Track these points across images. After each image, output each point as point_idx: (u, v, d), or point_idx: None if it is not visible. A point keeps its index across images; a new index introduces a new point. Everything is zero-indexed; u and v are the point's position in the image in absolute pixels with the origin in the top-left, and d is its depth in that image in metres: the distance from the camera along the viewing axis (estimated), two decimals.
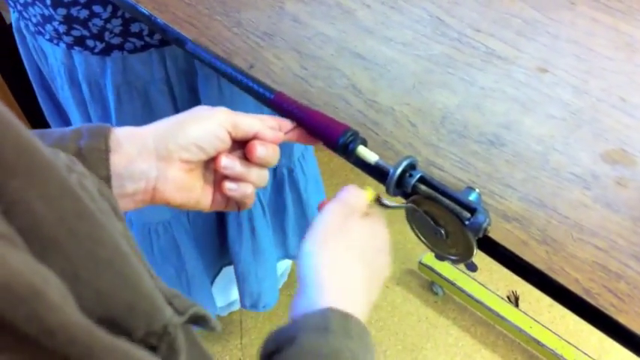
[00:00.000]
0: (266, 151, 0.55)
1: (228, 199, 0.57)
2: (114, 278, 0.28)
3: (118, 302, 0.29)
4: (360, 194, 0.55)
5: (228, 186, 0.55)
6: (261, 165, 0.56)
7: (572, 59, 0.67)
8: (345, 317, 0.45)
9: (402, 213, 0.57)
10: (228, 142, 0.54)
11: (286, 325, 0.46)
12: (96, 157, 0.48)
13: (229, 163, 0.54)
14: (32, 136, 0.26)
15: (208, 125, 0.53)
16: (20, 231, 0.23)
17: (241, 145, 0.56)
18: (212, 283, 1.41)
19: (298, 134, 0.57)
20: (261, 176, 0.56)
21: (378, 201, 0.57)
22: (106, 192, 0.41)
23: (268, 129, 0.55)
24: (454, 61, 0.67)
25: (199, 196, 0.55)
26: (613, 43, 0.68)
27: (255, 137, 0.55)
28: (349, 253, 0.51)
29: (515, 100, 0.63)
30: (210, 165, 0.56)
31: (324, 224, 0.52)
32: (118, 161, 0.49)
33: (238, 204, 0.57)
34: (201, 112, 0.54)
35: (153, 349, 0.31)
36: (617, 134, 0.60)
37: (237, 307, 1.62)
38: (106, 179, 0.48)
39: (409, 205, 0.55)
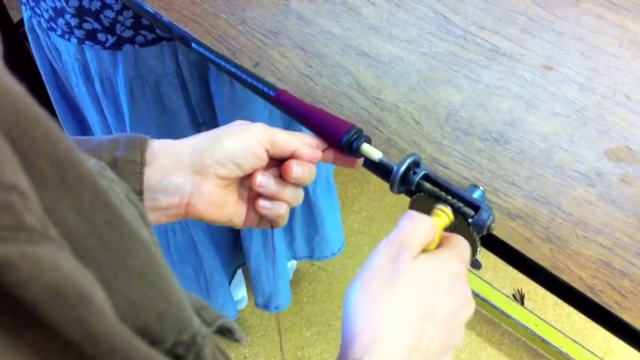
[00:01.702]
0: (302, 171, 0.53)
1: (261, 217, 0.56)
2: (145, 288, 0.28)
3: (149, 311, 0.29)
4: (416, 225, 0.46)
5: (262, 204, 0.54)
6: (296, 184, 0.55)
7: (578, 57, 0.67)
8: None
9: (406, 210, 0.57)
10: (265, 160, 0.53)
11: None
12: (130, 170, 0.47)
13: (265, 182, 0.53)
14: (69, 143, 0.26)
15: (246, 141, 0.51)
16: None
17: (277, 163, 0.54)
18: (229, 283, 1.41)
19: (335, 154, 0.56)
20: (295, 195, 0.55)
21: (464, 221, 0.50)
22: (134, 199, 0.41)
23: (306, 147, 0.54)
24: (459, 58, 0.67)
25: (233, 212, 0.54)
26: (618, 40, 0.68)
27: (292, 155, 0.53)
28: (393, 299, 0.42)
29: (520, 97, 0.63)
30: (244, 181, 0.55)
31: (367, 267, 0.45)
32: (152, 174, 0.49)
33: (271, 222, 0.56)
34: (239, 127, 0.53)
35: (180, 359, 0.31)
36: (621, 132, 0.60)
37: (243, 305, 1.63)
38: (139, 193, 0.47)
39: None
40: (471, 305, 0.46)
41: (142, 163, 0.48)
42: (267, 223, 0.56)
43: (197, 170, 0.51)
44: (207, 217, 0.52)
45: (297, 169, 0.53)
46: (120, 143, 0.48)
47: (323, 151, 0.55)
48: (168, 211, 0.51)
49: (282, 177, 0.54)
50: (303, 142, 0.54)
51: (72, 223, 0.25)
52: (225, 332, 0.38)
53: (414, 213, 0.47)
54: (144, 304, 0.28)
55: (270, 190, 0.53)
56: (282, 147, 0.53)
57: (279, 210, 0.54)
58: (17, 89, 0.24)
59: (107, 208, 0.28)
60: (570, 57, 0.67)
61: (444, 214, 0.50)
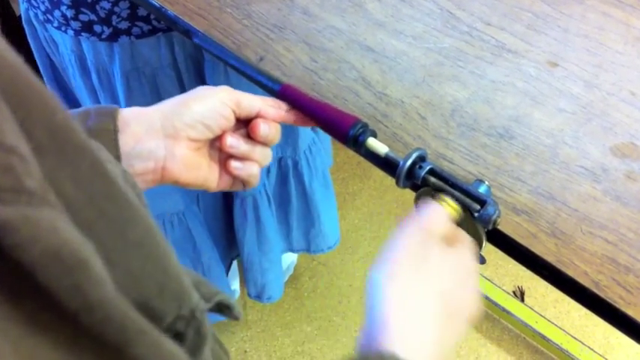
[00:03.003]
0: (269, 129, 0.56)
1: (234, 178, 0.58)
2: (144, 260, 0.28)
3: (148, 284, 0.28)
4: (442, 213, 0.49)
5: (234, 165, 0.57)
6: (264, 143, 0.58)
7: (583, 53, 0.67)
8: None
9: (412, 204, 0.57)
10: (232, 121, 0.55)
11: None
12: (105, 138, 0.49)
13: (234, 142, 0.56)
14: (66, 114, 0.26)
15: (213, 103, 0.54)
16: None
17: (244, 125, 0.57)
18: (226, 275, 1.42)
19: (296, 115, 0.59)
20: (264, 154, 0.58)
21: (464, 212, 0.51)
22: (130, 179, 0.41)
23: (270, 107, 0.57)
24: (464, 54, 0.67)
25: (206, 174, 0.57)
26: (623, 37, 0.68)
27: (257, 116, 0.56)
28: (423, 287, 0.45)
29: (526, 93, 0.64)
30: (215, 144, 0.57)
31: (397, 250, 0.46)
32: (126, 141, 0.50)
33: (244, 182, 0.59)
34: (205, 90, 0.56)
35: (180, 335, 0.31)
36: (626, 128, 0.60)
37: (236, 296, 1.63)
38: (116, 159, 0.49)
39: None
40: (478, 301, 0.48)
41: (115, 131, 0.50)
42: (240, 184, 0.59)
43: (168, 134, 0.53)
44: (183, 180, 0.55)
45: (264, 127, 0.56)
46: (90, 114, 0.50)
47: (286, 111, 0.58)
48: (145, 177, 0.53)
49: (250, 137, 0.57)
50: (266, 103, 0.57)
51: (70, 194, 0.25)
52: (224, 309, 0.39)
53: (435, 203, 0.50)
54: (143, 277, 0.28)
55: (241, 150, 0.56)
56: (247, 108, 0.56)
57: (250, 170, 0.57)
58: (16, 60, 0.24)
59: (104, 179, 0.28)
60: (575, 53, 0.67)
61: (449, 207, 0.51)
